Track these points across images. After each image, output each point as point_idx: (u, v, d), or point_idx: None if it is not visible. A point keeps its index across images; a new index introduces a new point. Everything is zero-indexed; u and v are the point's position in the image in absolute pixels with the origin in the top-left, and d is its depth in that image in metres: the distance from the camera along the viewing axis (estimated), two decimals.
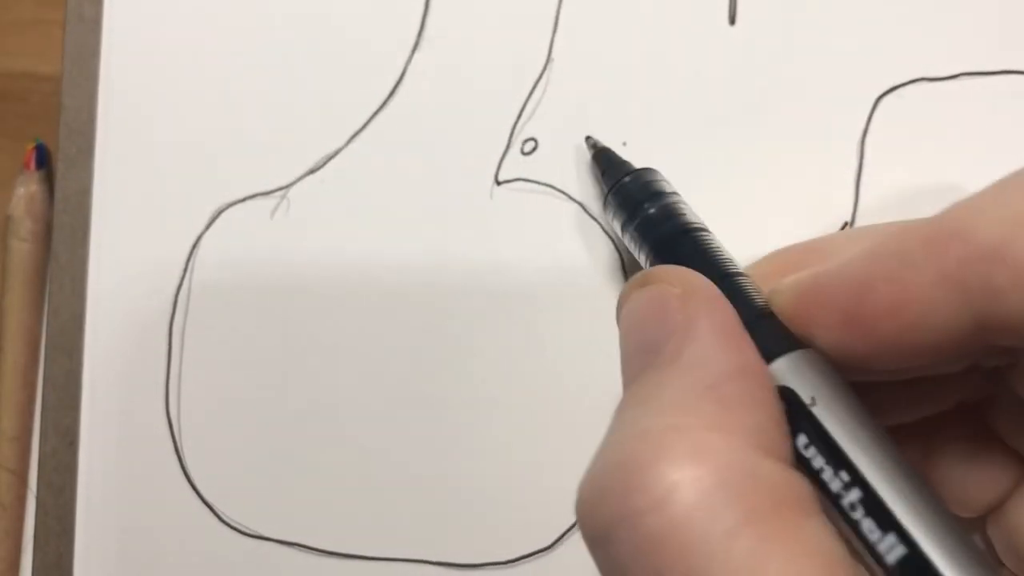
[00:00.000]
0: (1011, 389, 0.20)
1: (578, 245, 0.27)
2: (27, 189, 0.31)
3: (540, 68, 0.27)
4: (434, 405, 0.27)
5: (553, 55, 0.28)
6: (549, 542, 0.26)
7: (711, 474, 0.15)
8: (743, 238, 0.26)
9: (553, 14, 0.28)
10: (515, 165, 0.27)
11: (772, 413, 0.17)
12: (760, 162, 0.27)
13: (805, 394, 0.17)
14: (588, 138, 0.27)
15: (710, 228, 0.23)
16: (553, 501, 0.27)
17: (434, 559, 0.27)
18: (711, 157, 0.27)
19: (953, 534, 0.16)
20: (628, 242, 0.24)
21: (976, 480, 0.22)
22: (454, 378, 0.27)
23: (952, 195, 0.28)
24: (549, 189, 0.27)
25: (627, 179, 0.24)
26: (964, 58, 0.27)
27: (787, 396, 0.18)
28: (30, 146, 0.31)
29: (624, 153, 0.27)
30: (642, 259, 0.23)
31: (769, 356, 0.18)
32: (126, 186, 0.28)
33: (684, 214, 0.23)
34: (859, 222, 0.27)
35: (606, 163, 0.26)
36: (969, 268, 0.16)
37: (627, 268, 0.27)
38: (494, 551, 0.26)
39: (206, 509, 0.27)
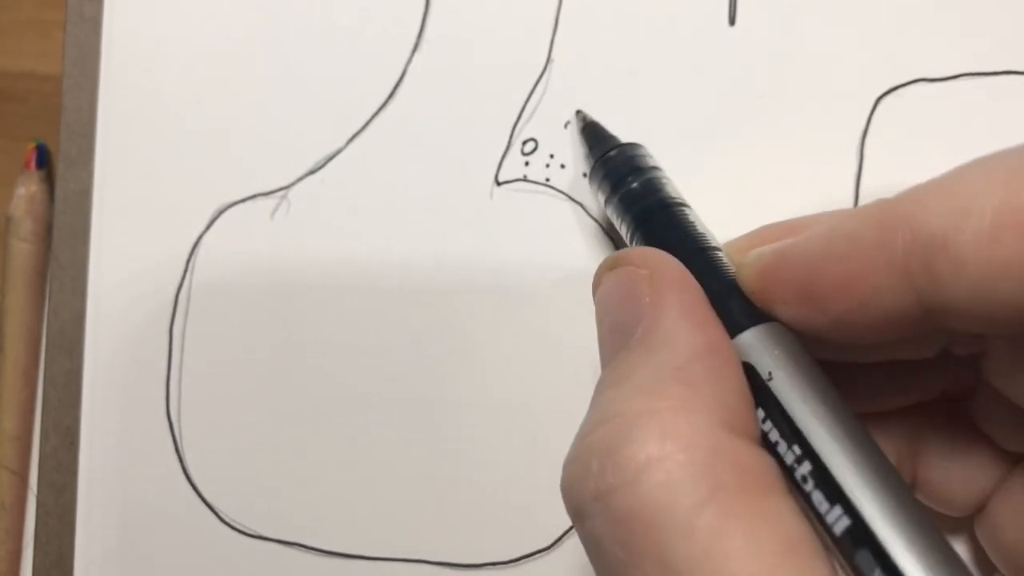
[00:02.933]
0: (985, 379, 0.20)
1: (578, 245, 0.27)
2: (27, 189, 0.31)
3: (540, 69, 0.27)
4: (434, 405, 0.27)
5: (553, 55, 0.28)
6: (549, 542, 0.26)
7: (677, 454, 0.15)
8: None
9: (553, 14, 0.28)
10: (515, 165, 0.27)
11: (738, 391, 0.17)
12: (760, 162, 0.27)
13: (763, 368, 0.18)
14: (578, 112, 0.27)
15: (690, 204, 0.23)
16: (553, 501, 0.26)
17: (434, 559, 0.27)
18: (711, 157, 0.27)
19: (902, 506, 0.16)
20: (610, 214, 0.24)
21: (961, 476, 0.22)
22: (454, 378, 0.27)
23: None
24: (549, 189, 0.27)
25: (613, 153, 0.24)
26: (964, 58, 0.27)
27: (748, 371, 0.18)
28: (30, 146, 0.31)
29: None
30: (623, 231, 0.23)
31: (734, 331, 0.18)
32: (126, 186, 0.28)
33: (665, 188, 0.23)
34: None
35: (593, 137, 0.26)
36: (913, 255, 0.16)
37: None
38: (494, 551, 0.26)
39: (206, 509, 0.27)
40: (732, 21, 0.27)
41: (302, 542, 0.27)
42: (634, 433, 0.16)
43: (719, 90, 0.27)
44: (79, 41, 0.28)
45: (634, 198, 0.23)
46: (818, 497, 0.16)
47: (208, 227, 0.28)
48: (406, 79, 0.28)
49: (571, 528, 0.26)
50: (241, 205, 0.28)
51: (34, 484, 0.28)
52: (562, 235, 0.27)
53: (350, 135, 0.28)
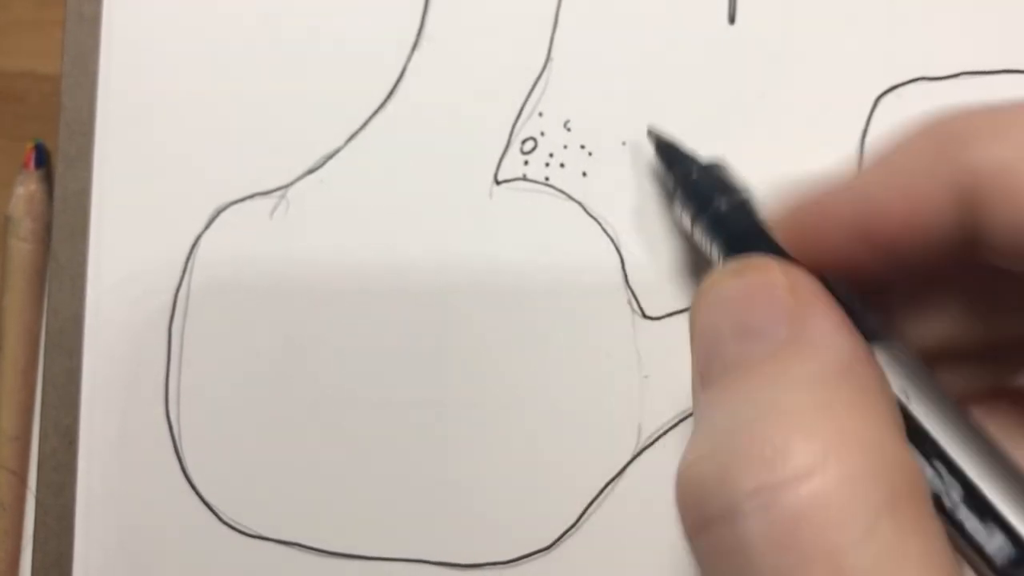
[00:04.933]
0: None
1: (578, 245, 0.27)
2: (26, 189, 0.31)
3: (540, 68, 0.27)
4: (434, 405, 0.27)
5: (553, 55, 0.28)
6: (549, 542, 0.26)
7: (856, 453, 0.14)
8: None
9: (553, 13, 0.28)
10: (515, 165, 0.27)
11: (893, 399, 0.16)
12: (760, 162, 0.27)
13: (898, 390, 0.17)
14: (650, 131, 0.26)
15: None
16: (553, 501, 0.27)
17: (434, 559, 0.27)
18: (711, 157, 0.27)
19: None
20: (698, 236, 0.23)
21: None
22: (453, 378, 0.27)
23: None
24: (549, 189, 0.27)
25: (695, 175, 0.24)
26: (964, 58, 0.27)
27: None
28: (29, 146, 0.31)
29: (624, 152, 0.27)
30: (714, 253, 0.23)
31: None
32: (125, 186, 0.28)
33: (758, 212, 0.23)
34: None
35: (672, 156, 0.25)
36: (967, 181, 0.16)
37: (627, 268, 0.27)
38: (494, 551, 0.26)
39: (206, 509, 0.27)
40: (732, 20, 0.27)
41: (301, 542, 0.27)
42: (805, 426, 0.14)
43: (719, 90, 0.27)
44: (78, 40, 0.28)
45: (725, 220, 0.22)
46: (973, 524, 0.15)
47: (207, 227, 0.28)
48: (405, 78, 0.28)
49: (571, 528, 0.26)
50: (240, 204, 0.28)
51: (33, 484, 0.28)
52: (562, 234, 0.27)
53: (349, 134, 0.28)
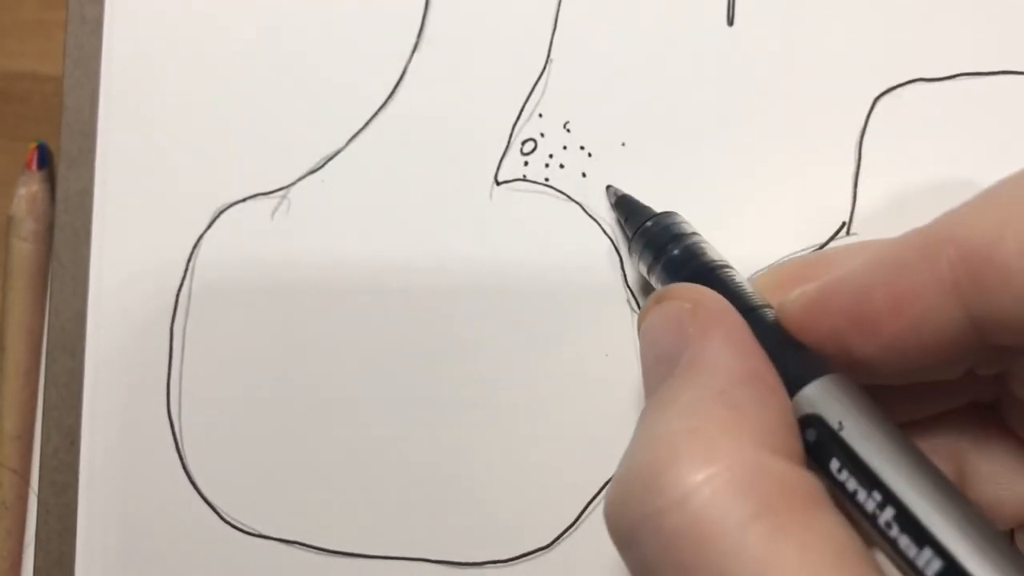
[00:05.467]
0: (1012, 393, 0.20)
1: (578, 245, 0.27)
2: (29, 189, 0.31)
3: (540, 69, 0.28)
4: (434, 404, 0.27)
5: (553, 56, 0.28)
6: (549, 541, 0.27)
7: (724, 472, 0.16)
8: (742, 238, 0.27)
9: (553, 15, 0.28)
10: (515, 165, 0.27)
11: (781, 414, 0.17)
12: (758, 162, 0.27)
13: (832, 419, 0.18)
14: (609, 186, 0.27)
15: (733, 266, 0.23)
16: (553, 500, 0.27)
17: (434, 558, 0.27)
18: (709, 157, 0.27)
19: (990, 543, 0.16)
20: (655, 283, 0.24)
21: (1004, 486, 0.22)
22: (454, 378, 0.27)
23: (949, 195, 0.28)
24: (549, 189, 0.27)
25: (649, 223, 0.25)
26: (962, 58, 0.27)
27: (816, 423, 0.18)
28: (32, 146, 0.31)
29: (623, 153, 0.27)
30: None
31: (797, 384, 0.19)
32: (127, 186, 0.28)
33: (707, 253, 0.23)
34: (857, 222, 0.27)
35: (628, 209, 0.26)
36: (960, 269, 0.17)
37: (626, 268, 0.27)
38: (494, 550, 0.27)
39: (207, 508, 0.27)
40: (731, 21, 0.27)
41: (303, 540, 0.27)
42: (678, 453, 0.16)
43: (718, 90, 0.27)
44: (80, 42, 0.28)
45: (678, 264, 0.24)
46: (905, 541, 0.16)
47: (209, 227, 0.28)
48: (406, 79, 0.28)
49: (570, 528, 0.26)
50: (241, 205, 0.28)
51: (35, 484, 0.29)
52: (561, 235, 0.27)
53: (350, 135, 0.28)
